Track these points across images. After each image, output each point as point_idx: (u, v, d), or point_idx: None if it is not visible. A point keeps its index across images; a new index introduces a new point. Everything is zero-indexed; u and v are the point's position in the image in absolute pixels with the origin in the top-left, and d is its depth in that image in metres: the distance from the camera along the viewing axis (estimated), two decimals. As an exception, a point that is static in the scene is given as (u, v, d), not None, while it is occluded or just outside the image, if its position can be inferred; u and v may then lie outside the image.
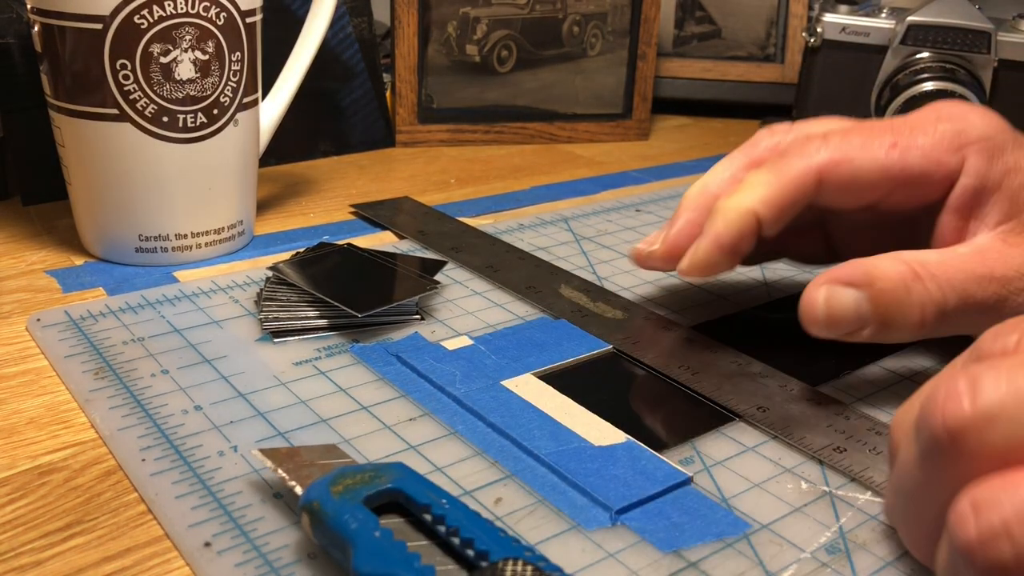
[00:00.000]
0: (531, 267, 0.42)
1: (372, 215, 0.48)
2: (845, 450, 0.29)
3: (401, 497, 0.24)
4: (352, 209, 0.50)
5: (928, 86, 0.61)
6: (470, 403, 0.31)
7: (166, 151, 0.39)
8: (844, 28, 0.65)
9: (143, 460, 0.27)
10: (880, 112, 0.64)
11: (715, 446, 0.29)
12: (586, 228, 0.48)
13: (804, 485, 0.28)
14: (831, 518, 0.26)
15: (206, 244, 0.42)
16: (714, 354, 0.34)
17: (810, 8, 0.72)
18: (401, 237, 0.46)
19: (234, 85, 0.40)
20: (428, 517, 0.23)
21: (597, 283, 0.41)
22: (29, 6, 0.38)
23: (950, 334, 0.30)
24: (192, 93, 0.39)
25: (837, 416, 0.30)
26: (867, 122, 0.33)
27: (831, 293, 0.29)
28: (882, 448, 0.28)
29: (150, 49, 0.38)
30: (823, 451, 0.28)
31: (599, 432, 0.29)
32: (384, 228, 0.47)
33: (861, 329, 0.29)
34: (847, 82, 0.65)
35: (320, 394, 0.31)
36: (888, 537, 0.25)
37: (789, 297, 0.41)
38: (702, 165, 0.60)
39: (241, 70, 0.41)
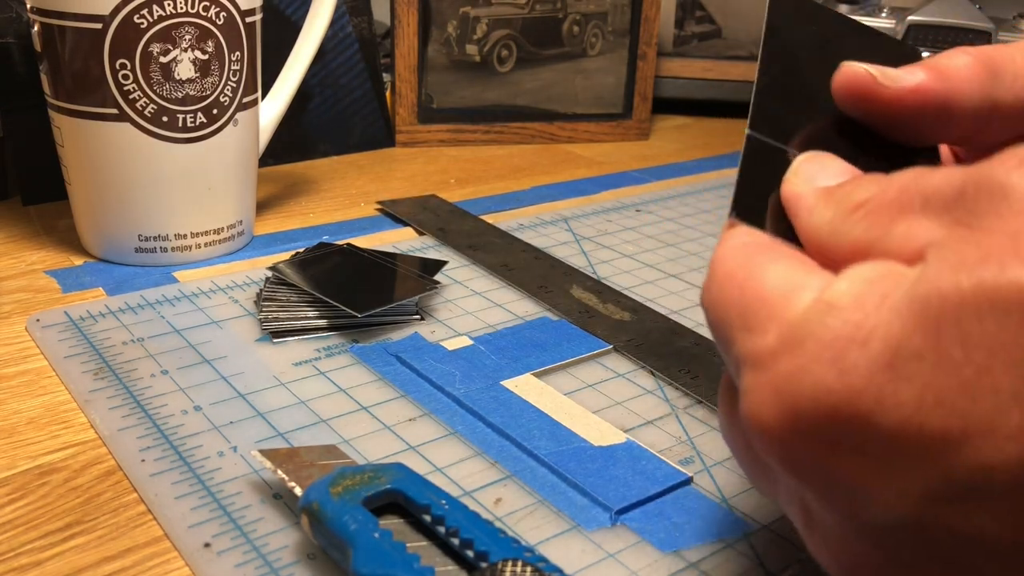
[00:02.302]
0: (546, 267, 0.42)
1: (396, 212, 0.48)
2: None
3: (400, 498, 0.24)
4: (378, 206, 0.50)
5: (928, 86, 0.61)
6: (470, 403, 0.31)
7: (166, 151, 0.39)
8: (844, 28, 0.65)
9: (143, 460, 0.27)
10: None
11: (715, 446, 0.29)
12: (586, 228, 0.48)
13: (804, 485, 0.28)
14: (831, 518, 0.26)
15: (206, 244, 0.42)
16: (716, 359, 0.34)
17: (810, 8, 0.72)
18: (421, 233, 0.46)
19: (234, 85, 0.40)
20: (428, 518, 0.23)
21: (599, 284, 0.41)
22: (29, 6, 0.38)
23: None
24: (192, 93, 0.39)
25: None
26: None
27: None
28: None
29: (150, 49, 0.38)
30: None
31: (599, 432, 0.29)
32: (403, 225, 0.47)
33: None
34: (847, 82, 0.65)
35: (320, 394, 0.31)
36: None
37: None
38: (702, 165, 0.60)
39: (241, 70, 0.41)
